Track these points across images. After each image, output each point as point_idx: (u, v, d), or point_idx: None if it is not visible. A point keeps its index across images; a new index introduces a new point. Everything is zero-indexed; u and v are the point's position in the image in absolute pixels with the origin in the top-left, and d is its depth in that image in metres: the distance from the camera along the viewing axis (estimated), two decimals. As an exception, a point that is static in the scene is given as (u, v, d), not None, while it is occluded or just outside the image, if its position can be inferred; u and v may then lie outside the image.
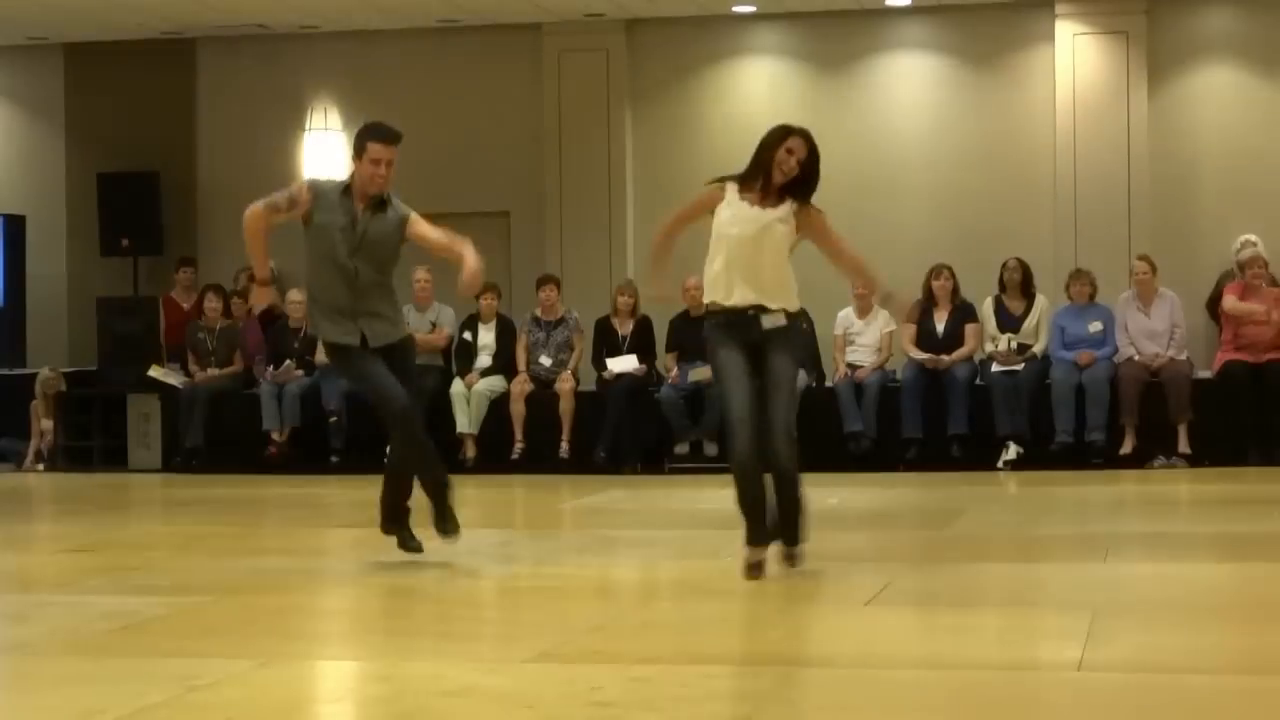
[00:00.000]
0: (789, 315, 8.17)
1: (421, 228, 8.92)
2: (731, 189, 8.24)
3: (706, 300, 8.32)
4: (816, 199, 8.27)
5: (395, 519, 9.08)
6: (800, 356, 8.54)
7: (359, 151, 8.67)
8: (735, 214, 8.17)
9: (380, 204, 8.74)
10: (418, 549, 8.98)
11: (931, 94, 16.75)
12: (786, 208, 8.17)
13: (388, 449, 9.28)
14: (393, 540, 9.13)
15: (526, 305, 15.87)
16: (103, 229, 17.51)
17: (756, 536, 8.12)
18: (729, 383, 8.12)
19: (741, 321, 8.12)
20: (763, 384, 8.11)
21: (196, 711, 5.75)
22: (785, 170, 8.11)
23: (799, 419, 13.61)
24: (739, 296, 8.12)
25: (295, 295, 15.39)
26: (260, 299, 9.48)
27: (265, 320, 15.83)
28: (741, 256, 8.12)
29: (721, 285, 8.16)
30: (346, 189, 8.69)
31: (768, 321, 8.12)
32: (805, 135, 8.19)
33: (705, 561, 9.24)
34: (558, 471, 14.80)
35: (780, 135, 8.17)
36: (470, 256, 8.87)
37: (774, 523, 8.18)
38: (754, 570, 8.08)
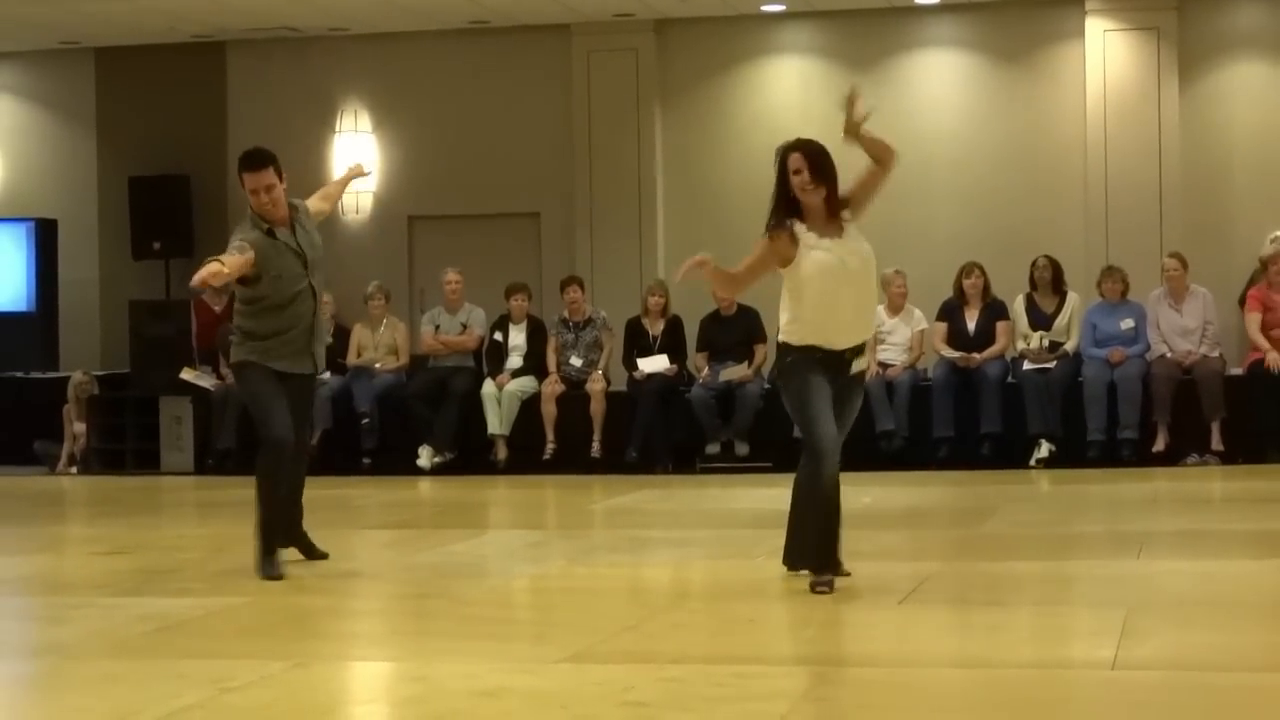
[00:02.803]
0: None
1: (317, 203, 9.08)
2: (805, 234, 7.85)
3: (801, 339, 7.87)
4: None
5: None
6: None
7: (241, 182, 8.61)
8: (827, 253, 7.82)
9: (292, 218, 8.69)
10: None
11: (961, 92, 16.72)
12: (853, 225, 7.92)
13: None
14: (426, 539, 9.13)
15: (557, 306, 15.88)
16: (134, 232, 17.58)
17: (828, 564, 7.87)
18: (818, 405, 7.79)
19: (835, 361, 7.86)
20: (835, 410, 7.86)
21: (230, 713, 5.77)
22: (807, 190, 7.80)
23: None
24: (844, 338, 7.87)
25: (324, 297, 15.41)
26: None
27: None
28: (851, 294, 7.84)
29: (820, 325, 7.84)
30: (269, 231, 8.57)
31: (857, 365, 7.94)
32: (803, 147, 7.88)
33: (738, 561, 9.23)
34: (589, 472, 14.81)
35: (782, 157, 7.88)
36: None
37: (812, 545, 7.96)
38: (825, 587, 7.76)
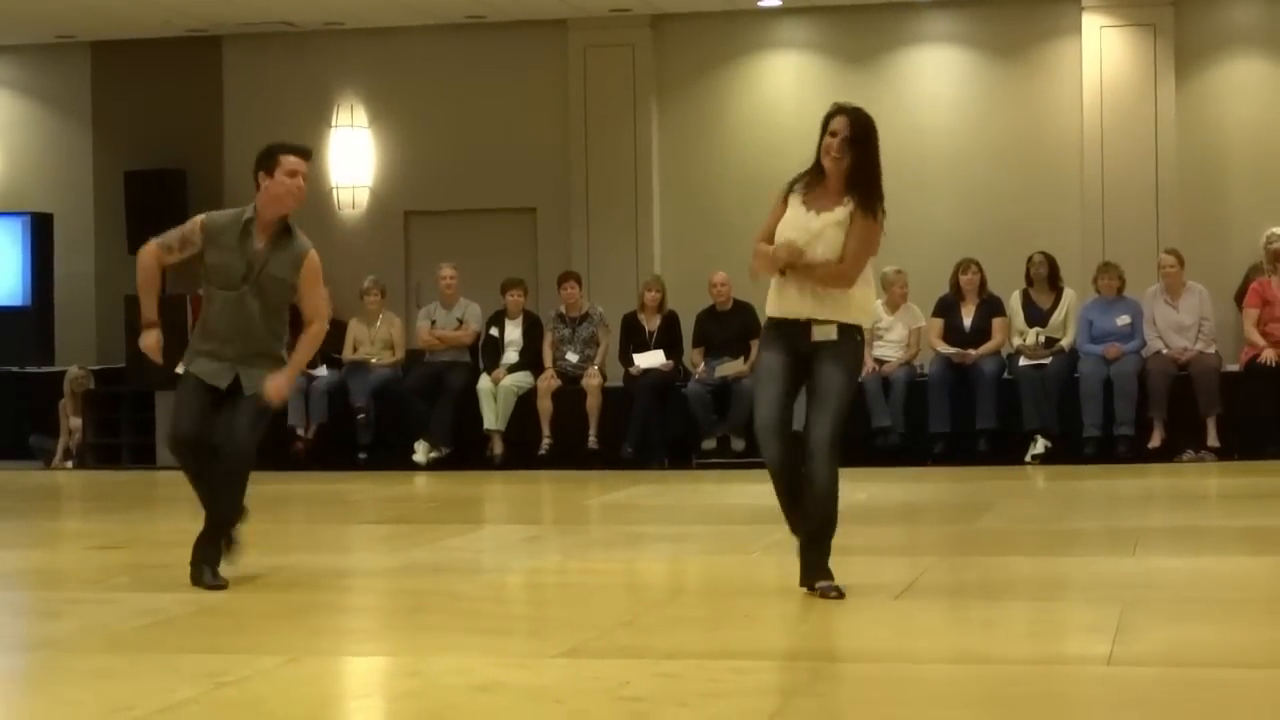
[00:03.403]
0: (844, 327, 7.57)
1: (310, 280, 8.35)
2: (795, 196, 7.63)
3: (768, 308, 7.70)
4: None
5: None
6: (853, 369, 7.71)
7: (269, 167, 8.27)
8: (790, 220, 7.60)
9: (285, 230, 8.34)
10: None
11: (958, 88, 16.72)
12: (844, 209, 7.58)
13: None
14: (421, 534, 9.09)
15: (553, 301, 15.87)
16: (130, 227, 17.54)
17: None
18: (759, 388, 7.68)
19: (791, 330, 7.59)
20: (808, 399, 7.57)
21: (225, 707, 5.77)
22: (832, 154, 7.51)
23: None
24: (792, 308, 7.56)
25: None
26: (150, 342, 8.21)
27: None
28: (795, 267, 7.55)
29: (775, 294, 7.63)
30: (248, 224, 8.27)
31: (819, 333, 7.54)
32: (851, 113, 7.53)
33: (734, 556, 9.23)
34: (585, 467, 14.80)
35: (826, 117, 7.57)
36: (288, 372, 8.32)
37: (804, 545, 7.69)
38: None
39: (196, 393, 8.25)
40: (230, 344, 8.24)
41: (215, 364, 8.25)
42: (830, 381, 7.55)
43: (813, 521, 7.58)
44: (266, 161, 8.33)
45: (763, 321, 7.86)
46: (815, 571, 7.61)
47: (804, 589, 7.63)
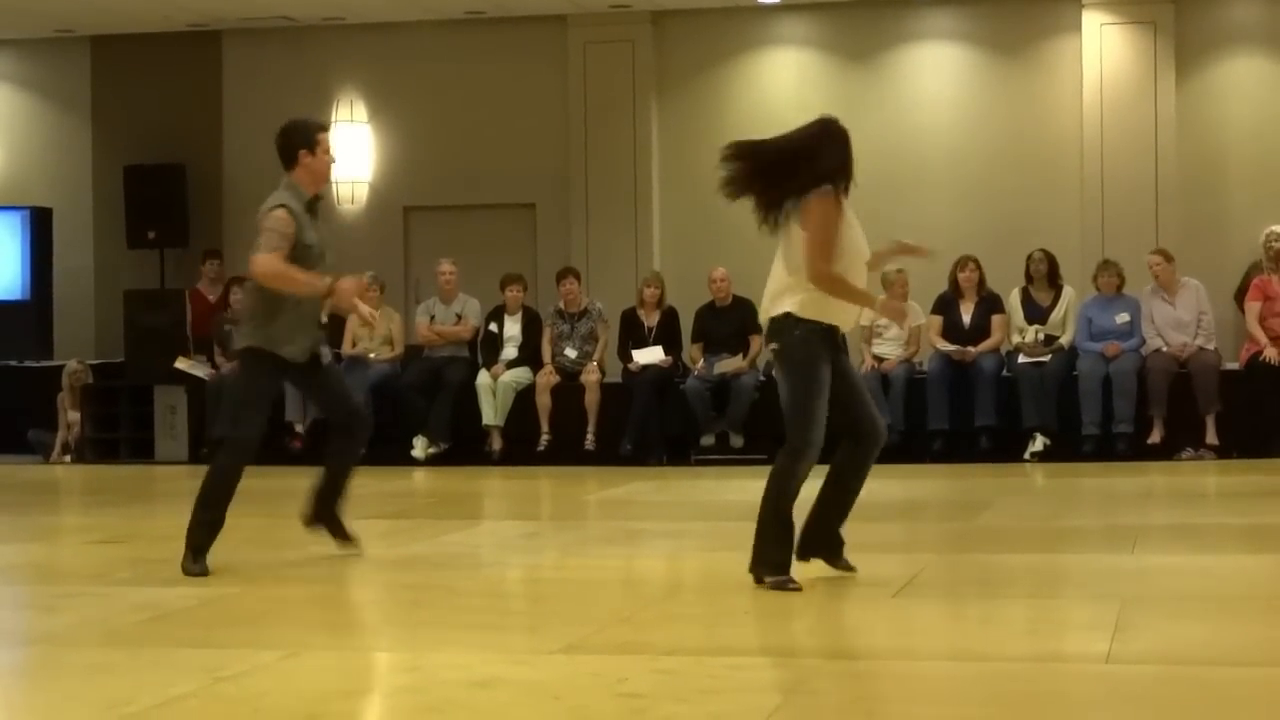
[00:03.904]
0: None
1: None
2: (844, 201, 7.83)
3: (819, 314, 7.71)
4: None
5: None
6: None
7: (311, 145, 8.51)
8: (854, 227, 7.81)
9: (320, 199, 8.78)
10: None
11: (958, 85, 16.71)
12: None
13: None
14: (420, 530, 9.12)
15: (552, 297, 15.87)
16: (129, 222, 17.56)
17: (789, 562, 7.82)
18: (821, 407, 7.68)
19: (835, 335, 7.81)
20: (848, 385, 7.79)
21: (224, 702, 5.77)
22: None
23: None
24: (851, 315, 7.90)
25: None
26: (349, 283, 8.63)
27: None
28: (862, 275, 7.86)
29: (838, 302, 7.75)
30: (311, 202, 8.60)
31: (843, 331, 7.92)
32: None
33: (732, 553, 9.21)
34: (583, 463, 14.80)
35: (845, 132, 7.84)
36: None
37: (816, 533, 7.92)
38: (793, 585, 7.73)
39: (270, 394, 8.72)
40: (312, 315, 8.60)
41: (300, 340, 8.54)
42: (857, 372, 8.15)
43: (851, 498, 8.00)
44: (307, 140, 8.59)
45: (786, 320, 7.77)
46: (841, 545, 7.96)
47: (832, 566, 7.93)
